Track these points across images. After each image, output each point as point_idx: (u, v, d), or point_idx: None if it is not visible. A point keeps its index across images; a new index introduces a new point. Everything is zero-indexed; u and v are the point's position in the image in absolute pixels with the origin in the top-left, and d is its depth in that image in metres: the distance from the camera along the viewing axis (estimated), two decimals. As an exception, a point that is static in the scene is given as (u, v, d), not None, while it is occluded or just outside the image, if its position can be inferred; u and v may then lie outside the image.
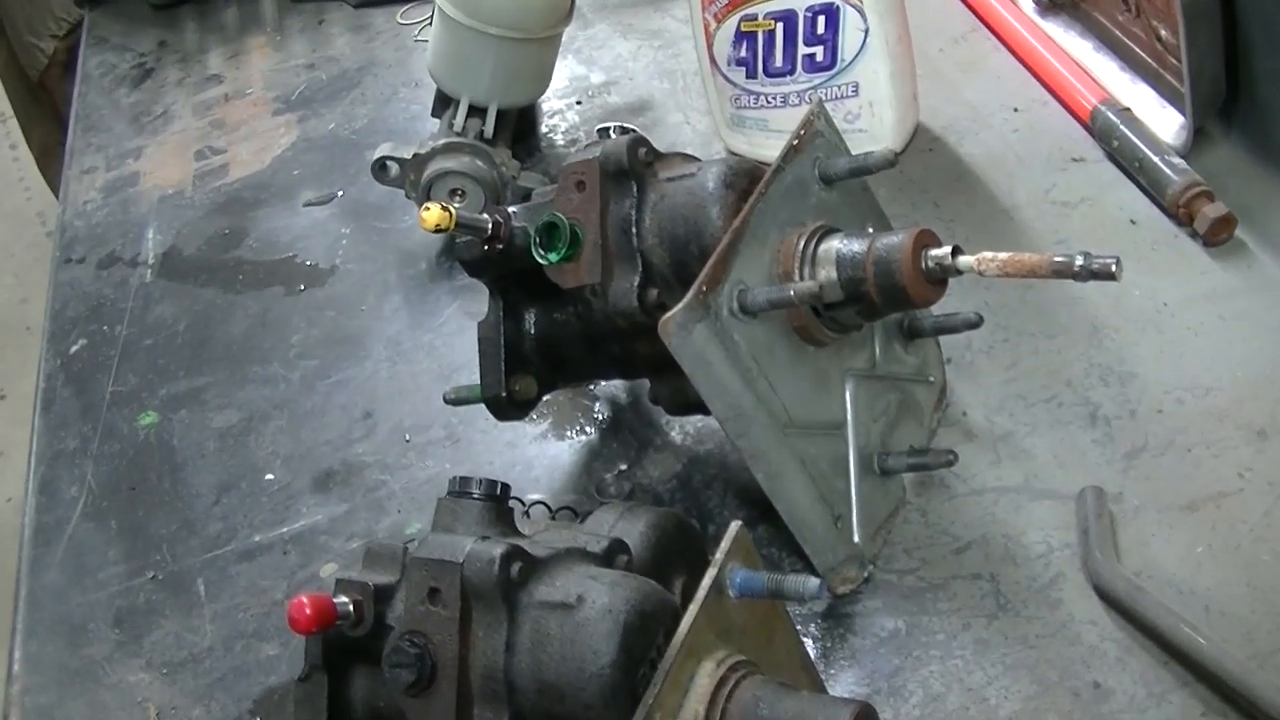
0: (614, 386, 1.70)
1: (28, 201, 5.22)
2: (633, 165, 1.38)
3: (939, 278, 1.27)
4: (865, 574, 1.40)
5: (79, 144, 2.65)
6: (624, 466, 1.60)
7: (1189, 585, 1.34)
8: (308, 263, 2.08)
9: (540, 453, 1.66)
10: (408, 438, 1.72)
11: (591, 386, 1.70)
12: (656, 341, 1.26)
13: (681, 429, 1.62)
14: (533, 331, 1.52)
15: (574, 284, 1.38)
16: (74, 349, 2.05)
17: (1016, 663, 1.31)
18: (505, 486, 1.23)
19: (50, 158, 3.65)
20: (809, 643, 1.35)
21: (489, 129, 1.98)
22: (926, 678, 1.32)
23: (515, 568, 1.12)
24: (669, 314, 1.24)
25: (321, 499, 1.69)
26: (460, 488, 1.22)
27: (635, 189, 1.38)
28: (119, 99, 2.77)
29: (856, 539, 1.38)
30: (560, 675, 1.09)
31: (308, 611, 1.13)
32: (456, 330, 1.85)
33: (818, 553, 1.35)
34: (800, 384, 1.34)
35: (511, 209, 1.48)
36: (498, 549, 1.11)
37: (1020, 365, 1.58)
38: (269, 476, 1.75)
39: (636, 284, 1.36)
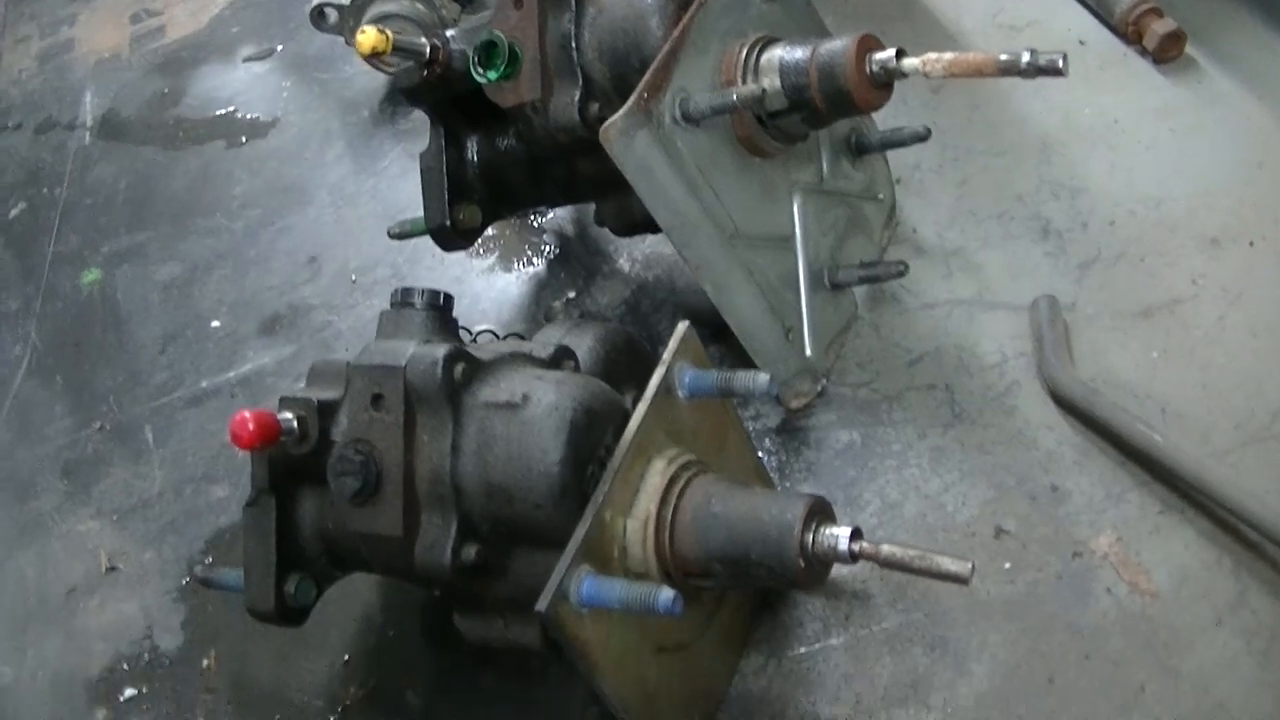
0: (561, 219, 1.68)
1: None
2: None
3: (884, 81, 1.25)
4: (819, 388, 1.38)
5: (11, 14, 2.61)
6: (572, 294, 1.58)
7: (1145, 390, 1.33)
8: (249, 116, 2.05)
9: (488, 285, 1.64)
10: (353, 278, 1.70)
11: (537, 220, 1.68)
12: (600, 159, 1.24)
13: (630, 256, 1.60)
14: (475, 159, 1.49)
15: (514, 102, 1.35)
16: (13, 213, 2.02)
17: (973, 469, 1.31)
18: (448, 296, 1.21)
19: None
20: (765, 458, 1.34)
21: (428, -29, 1.95)
22: (883, 487, 1.32)
23: (459, 369, 1.10)
24: (610, 121, 1.21)
25: (268, 342, 1.68)
26: (402, 299, 1.20)
27: (574, 3, 1.35)
28: (50, -33, 2.73)
29: (809, 352, 1.36)
30: (508, 475, 1.07)
31: (250, 427, 1.10)
32: (400, 173, 1.82)
33: (770, 365, 1.34)
34: (746, 195, 1.32)
35: (449, 32, 1.45)
36: (440, 350, 1.10)
37: (970, 183, 1.56)
38: (214, 324, 1.73)
39: (577, 98, 1.33)
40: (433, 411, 1.10)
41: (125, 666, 1.44)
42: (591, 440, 1.09)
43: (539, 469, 1.06)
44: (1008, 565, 1.24)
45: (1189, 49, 1.65)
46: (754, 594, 1.25)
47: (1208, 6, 1.69)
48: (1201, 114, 1.59)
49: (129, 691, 1.42)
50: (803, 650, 1.24)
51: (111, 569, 1.52)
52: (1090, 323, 1.40)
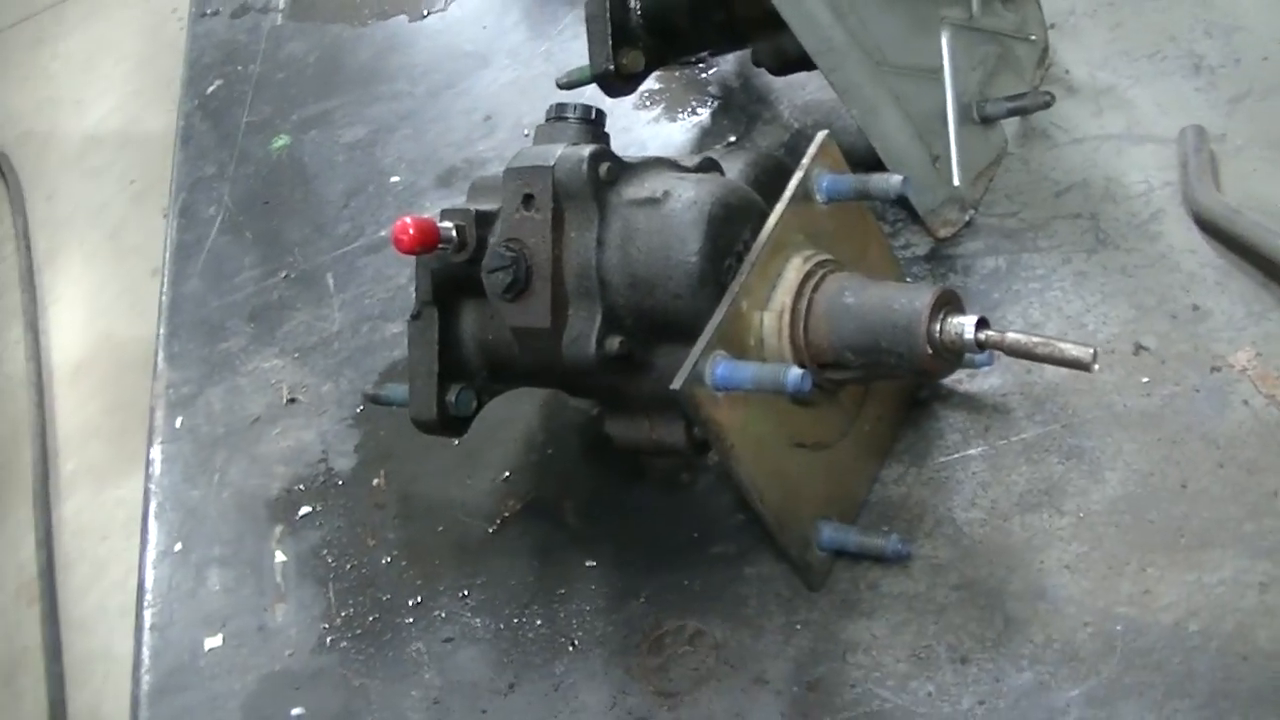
0: (725, 71, 1.72)
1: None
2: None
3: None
4: (966, 216, 1.41)
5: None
6: (733, 139, 1.63)
7: (1292, 215, 1.34)
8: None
9: (654, 134, 1.69)
10: (526, 133, 1.76)
11: (702, 73, 1.72)
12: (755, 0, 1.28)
13: (790, 103, 1.64)
14: (637, 6, 1.54)
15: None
16: (210, 89, 2.11)
17: (1115, 291, 1.33)
18: (601, 111, 1.26)
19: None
20: (913, 282, 1.37)
21: None
22: (1026, 308, 1.34)
23: (604, 167, 1.15)
24: (761, -51, 1.25)
25: (445, 193, 1.74)
26: (557, 113, 1.25)
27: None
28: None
29: (956, 181, 1.39)
30: (649, 267, 1.13)
31: (411, 232, 1.17)
32: (574, 36, 1.87)
33: (917, 192, 1.37)
34: (894, 25, 1.36)
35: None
36: (586, 150, 1.15)
37: (1124, 25, 1.57)
38: (394, 179, 1.81)
39: None
40: (580, 208, 1.16)
41: (301, 487, 1.52)
42: (729, 234, 1.14)
43: (678, 259, 1.11)
44: (1145, 379, 1.27)
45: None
46: (896, 405, 1.29)
47: None
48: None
49: (305, 509, 1.50)
50: (942, 460, 1.28)
51: (292, 400, 1.61)
52: (1238, 153, 1.41)
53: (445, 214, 1.22)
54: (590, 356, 1.13)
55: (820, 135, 1.17)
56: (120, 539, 3.61)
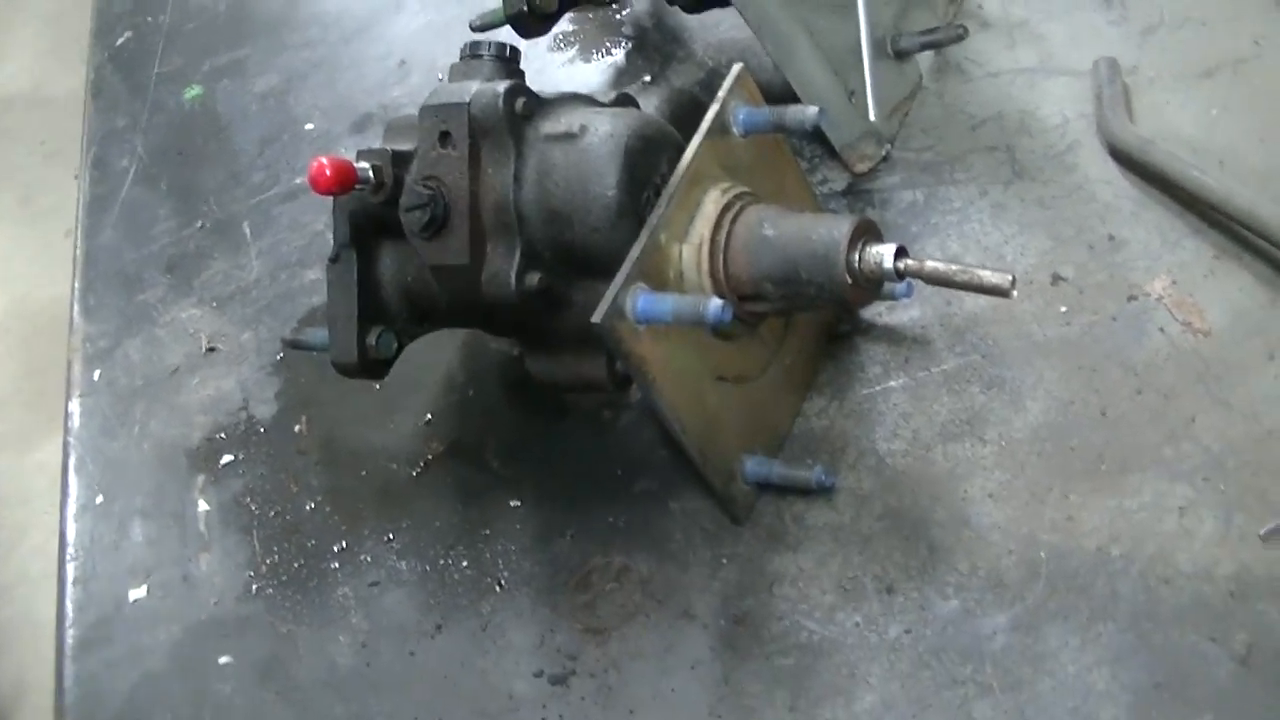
0: (639, 11, 1.71)
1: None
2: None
3: None
4: (883, 151, 1.42)
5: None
6: (648, 79, 1.63)
7: (1203, 144, 1.36)
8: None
9: (569, 76, 1.68)
10: (441, 77, 1.74)
11: (617, 15, 1.72)
12: (667, -64, 1.28)
13: (704, 41, 1.64)
14: (551, -54, 1.53)
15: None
16: (120, 41, 2.08)
17: (1032, 222, 1.34)
18: (515, 49, 1.25)
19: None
20: (829, 219, 1.37)
21: None
22: (944, 241, 1.36)
23: (520, 102, 1.15)
24: (669, -122, 1.25)
25: (360, 139, 1.74)
26: (471, 51, 1.25)
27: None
28: None
29: (872, 116, 1.39)
30: (567, 201, 1.12)
31: (328, 172, 1.16)
32: (488, -21, 1.86)
33: (834, 128, 1.38)
34: (806, -44, 1.35)
35: None
36: (502, 86, 1.15)
37: (1037, -42, 1.58)
38: (309, 126, 1.79)
39: None
40: (496, 144, 1.15)
41: (223, 435, 1.51)
42: (647, 166, 1.14)
43: (595, 192, 1.11)
44: (1064, 309, 1.28)
45: None
46: (817, 340, 1.30)
47: None
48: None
49: (227, 458, 1.49)
50: (864, 392, 1.29)
51: (211, 350, 1.59)
52: (1151, 85, 1.42)
53: (361, 154, 1.21)
54: (510, 292, 1.13)
55: (736, 68, 1.17)
56: (41, 503, 3.57)
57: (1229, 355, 1.22)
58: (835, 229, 1.07)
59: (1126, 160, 1.34)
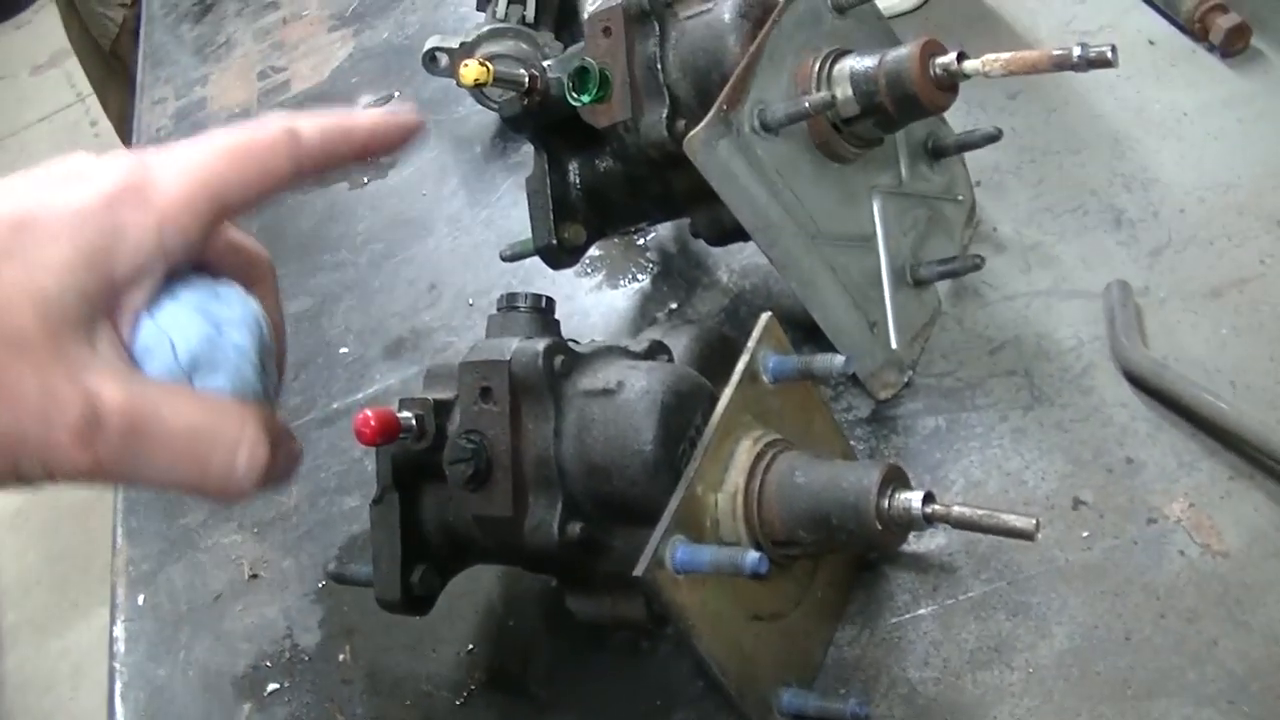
0: (663, 237, 1.76)
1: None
2: (654, 5, 1.44)
3: (948, 83, 1.33)
4: (905, 378, 1.46)
5: (148, 79, 2.74)
6: (674, 305, 1.67)
7: (1214, 365, 1.39)
8: (369, 159, 2.15)
9: (596, 302, 1.73)
10: (470, 302, 1.80)
11: (641, 239, 1.77)
12: (690, 172, 1.33)
13: (728, 268, 1.69)
14: (577, 181, 1.58)
15: (607, 122, 1.45)
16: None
17: (1052, 447, 1.37)
18: (550, 299, 1.30)
19: (128, 125, 3.74)
20: (856, 445, 1.42)
21: (530, 14, 2.05)
22: (967, 467, 1.39)
23: (558, 360, 1.20)
24: (693, 132, 1.31)
25: (393, 364, 1.78)
26: (508, 303, 1.29)
27: (658, 28, 1.44)
28: (183, 34, 2.86)
29: (894, 345, 1.44)
30: (605, 455, 1.17)
31: (372, 424, 1.20)
32: (512, 203, 1.92)
33: (857, 358, 1.42)
34: (827, 198, 1.41)
35: (546, 63, 1.55)
36: (541, 344, 1.19)
37: (1046, 181, 1.63)
38: (343, 350, 1.84)
39: (665, 115, 1.42)
40: (536, 400, 1.20)
41: (268, 664, 1.54)
42: (682, 421, 1.18)
43: (633, 448, 1.15)
44: (1085, 534, 1.31)
45: (1254, 41, 1.71)
46: (848, 570, 1.33)
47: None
48: (1268, 101, 1.64)
49: (272, 686, 1.52)
50: (894, 620, 1.31)
51: (254, 576, 1.63)
52: (1162, 305, 1.46)
53: (404, 404, 1.25)
54: (553, 542, 1.17)
55: (764, 317, 1.22)
56: (65, 690, 3.60)
57: (1248, 576, 1.25)
58: (865, 477, 1.11)
59: (1141, 383, 1.38)
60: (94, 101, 4.11)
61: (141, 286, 0.82)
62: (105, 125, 4.20)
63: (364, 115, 1.00)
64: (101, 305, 0.79)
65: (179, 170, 0.82)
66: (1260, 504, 1.29)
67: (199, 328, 0.86)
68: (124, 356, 0.82)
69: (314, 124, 0.91)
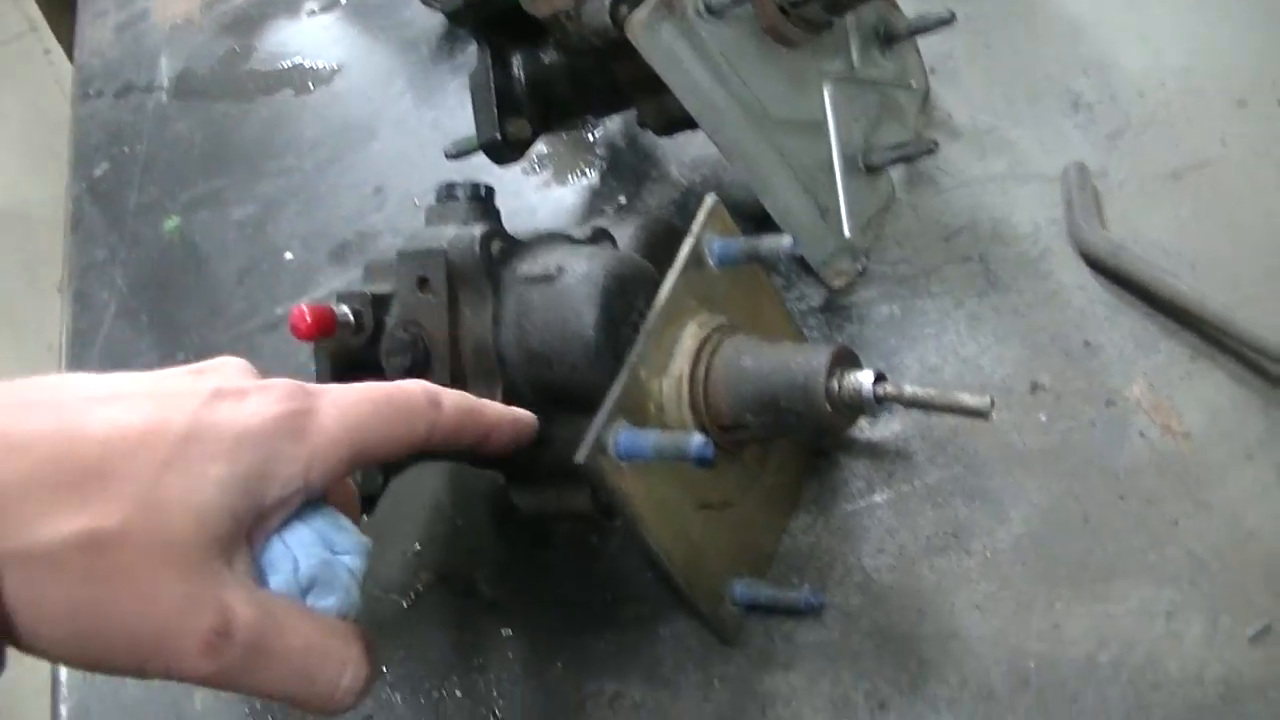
0: (612, 131, 1.73)
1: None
2: None
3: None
4: (859, 266, 1.43)
5: (88, -9, 2.68)
6: (623, 200, 1.64)
7: (1174, 248, 1.37)
8: (315, 65, 2.11)
9: (543, 199, 1.70)
10: (416, 203, 1.77)
11: (589, 135, 1.73)
12: (635, 61, 1.30)
13: (679, 161, 1.65)
14: (521, 76, 1.55)
15: (548, 11, 1.40)
16: (98, 173, 2.09)
17: (1008, 332, 1.35)
18: (489, 188, 1.27)
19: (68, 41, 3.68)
20: (809, 334, 1.39)
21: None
22: (923, 354, 1.37)
23: (496, 246, 1.17)
24: (635, 15, 1.27)
25: (339, 268, 1.75)
26: (446, 193, 1.26)
27: None
28: (124, -52, 2.80)
29: (847, 232, 1.40)
30: (545, 342, 1.14)
31: (308, 319, 1.17)
32: (459, 105, 1.88)
33: (809, 245, 1.39)
34: (775, 83, 1.37)
35: (488, -48, 1.51)
36: (478, 230, 1.16)
37: (1001, 66, 1.60)
38: (288, 256, 1.80)
39: (608, 2, 1.38)
40: (474, 288, 1.17)
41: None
42: (624, 305, 1.15)
43: (574, 332, 1.12)
44: (1043, 417, 1.29)
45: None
46: (799, 458, 1.31)
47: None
48: (1231, -17, 1.62)
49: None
50: (848, 508, 1.29)
51: (199, 486, 1.60)
52: (1120, 188, 1.44)
53: (341, 298, 1.22)
54: None
55: (708, 199, 1.18)
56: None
57: (1208, 457, 1.23)
58: (814, 358, 1.08)
59: (1099, 265, 1.35)
60: (47, 31, 4.04)
61: (280, 514, 0.86)
62: (59, 53, 4.13)
63: (491, 405, 1.06)
64: (246, 527, 0.82)
65: (336, 412, 0.87)
66: (1221, 384, 1.28)
67: (319, 552, 0.91)
68: (253, 573, 0.86)
69: (453, 399, 0.97)
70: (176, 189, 2.00)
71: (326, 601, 0.92)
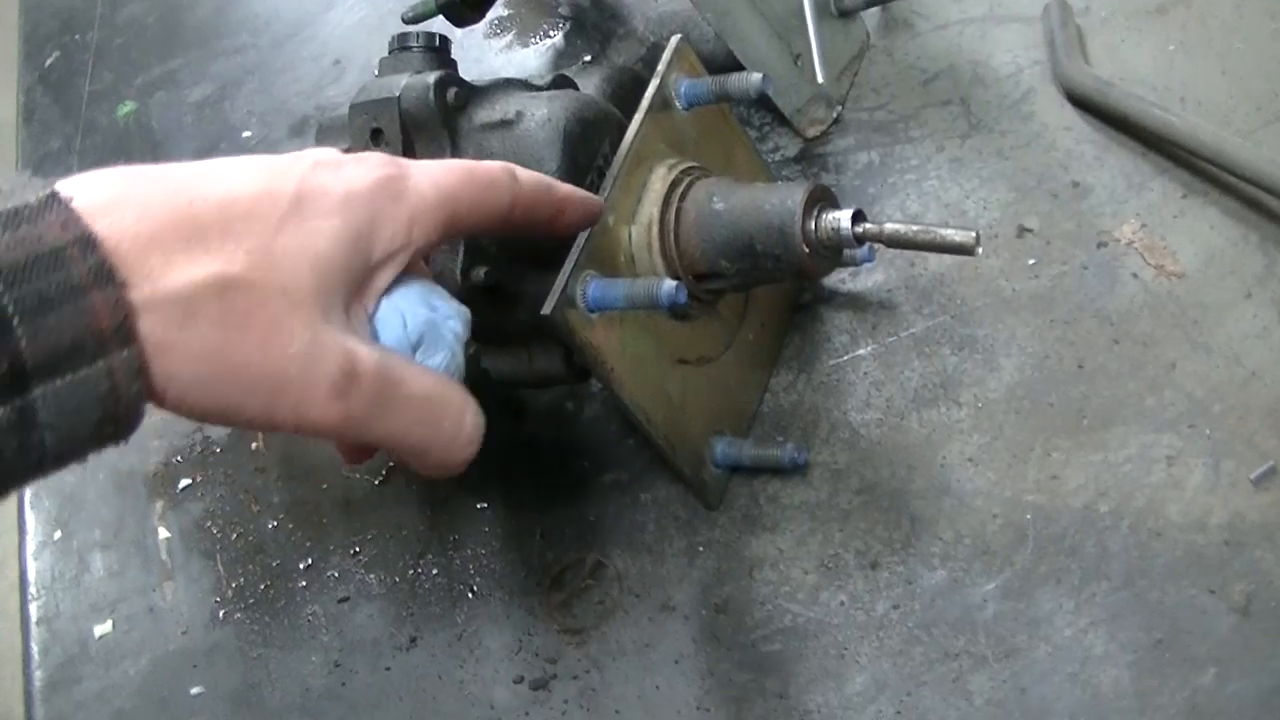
0: (575, -9, 1.67)
1: None
2: None
3: None
4: (834, 114, 1.38)
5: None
6: (588, 58, 1.58)
7: (1162, 83, 1.32)
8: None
9: (506, 61, 1.64)
10: (376, 73, 1.70)
11: (553, -2, 1.68)
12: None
13: (645, 17, 1.60)
14: (478, -72, 1.49)
15: None
16: (49, 61, 2.03)
17: (993, 175, 1.30)
18: (445, 38, 1.21)
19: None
20: (785, 185, 1.33)
21: None
22: (904, 200, 1.32)
23: (451, 92, 1.11)
24: None
25: (298, 144, 1.69)
26: (399, 43, 1.20)
27: None
28: None
29: (820, 79, 1.34)
30: (507, 191, 1.08)
31: (258, 179, 1.11)
32: (420, -30, 1.82)
33: (781, 93, 1.34)
34: (743, -79, 1.31)
35: None
36: (431, 77, 1.11)
37: (978, -94, 1.54)
38: (246, 134, 1.75)
39: None
40: (430, 137, 1.11)
41: (179, 459, 1.47)
42: (588, 149, 1.10)
43: (535, 176, 1.07)
44: (1032, 261, 1.24)
45: None
46: (780, 312, 1.26)
47: None
48: None
49: (185, 481, 1.45)
50: (832, 362, 1.25)
51: (160, 372, 1.55)
52: (1104, 25, 1.38)
53: (291, 159, 1.16)
54: (457, 289, 1.09)
55: (674, 40, 1.13)
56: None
57: (1205, 297, 1.19)
58: (788, 197, 1.02)
59: (1085, 104, 1.30)
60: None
61: (387, 271, 0.88)
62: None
63: (561, 184, 1.03)
64: (358, 280, 0.85)
65: (429, 177, 0.89)
66: (1215, 221, 1.23)
67: (425, 313, 0.93)
68: (367, 328, 0.88)
69: (528, 174, 0.97)
70: (130, 74, 1.94)
71: (434, 359, 0.94)
